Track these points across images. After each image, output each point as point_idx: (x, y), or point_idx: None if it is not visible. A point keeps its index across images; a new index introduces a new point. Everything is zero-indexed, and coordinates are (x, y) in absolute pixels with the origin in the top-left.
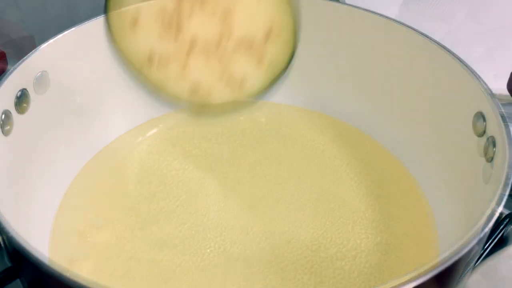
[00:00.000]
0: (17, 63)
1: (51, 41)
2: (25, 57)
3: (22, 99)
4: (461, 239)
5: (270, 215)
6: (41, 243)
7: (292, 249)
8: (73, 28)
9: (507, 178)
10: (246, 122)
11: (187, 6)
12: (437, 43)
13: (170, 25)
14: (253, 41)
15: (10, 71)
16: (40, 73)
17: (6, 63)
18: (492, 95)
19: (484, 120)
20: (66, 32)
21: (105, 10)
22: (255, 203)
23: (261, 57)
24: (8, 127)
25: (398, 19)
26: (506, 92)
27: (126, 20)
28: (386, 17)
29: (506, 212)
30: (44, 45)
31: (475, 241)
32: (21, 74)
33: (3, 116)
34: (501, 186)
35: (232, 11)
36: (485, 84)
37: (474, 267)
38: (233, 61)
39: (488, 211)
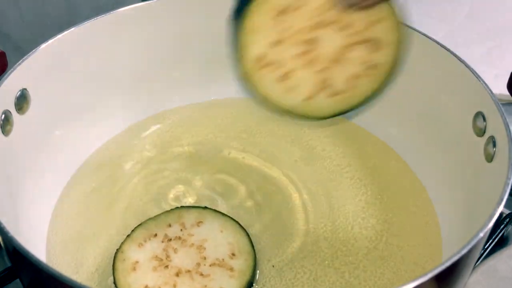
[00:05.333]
0: (17, 63)
1: (50, 41)
2: (25, 57)
3: (22, 99)
4: (462, 240)
5: (269, 214)
6: (39, 242)
7: (291, 249)
8: (73, 28)
9: (507, 178)
10: (246, 121)
11: (172, 245)
12: (437, 43)
13: (162, 261)
14: (222, 260)
15: (10, 71)
16: (40, 73)
17: (6, 63)
18: (492, 95)
19: (484, 120)
20: (66, 32)
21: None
22: (253, 202)
23: (232, 269)
24: (8, 127)
25: None
26: (506, 92)
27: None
28: None
29: (506, 212)
30: (43, 45)
31: (475, 241)
32: (21, 74)
33: (3, 116)
34: (501, 186)
35: (204, 242)
36: (485, 84)
37: (474, 267)
38: (210, 277)
39: (489, 211)
